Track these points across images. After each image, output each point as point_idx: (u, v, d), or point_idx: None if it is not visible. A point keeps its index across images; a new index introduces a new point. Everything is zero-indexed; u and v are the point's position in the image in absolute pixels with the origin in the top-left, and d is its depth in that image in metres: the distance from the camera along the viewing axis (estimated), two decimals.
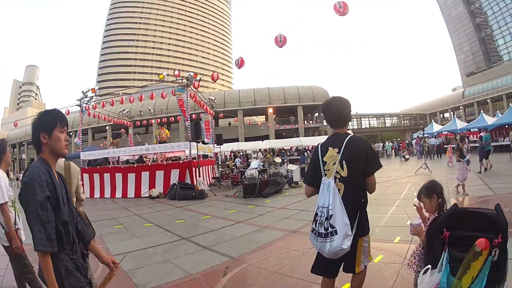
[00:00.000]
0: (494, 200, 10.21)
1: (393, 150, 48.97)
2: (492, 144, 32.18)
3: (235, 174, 21.55)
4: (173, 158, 23.79)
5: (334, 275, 3.57)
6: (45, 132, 2.63)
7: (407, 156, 36.06)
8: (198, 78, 20.60)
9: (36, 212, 2.41)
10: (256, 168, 17.49)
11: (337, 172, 3.35)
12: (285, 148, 46.13)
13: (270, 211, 11.57)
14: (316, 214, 3.36)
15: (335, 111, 3.61)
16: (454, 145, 24.89)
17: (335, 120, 3.63)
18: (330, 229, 3.20)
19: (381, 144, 49.64)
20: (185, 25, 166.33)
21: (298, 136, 60.02)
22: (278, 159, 28.23)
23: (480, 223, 2.55)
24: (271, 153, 30.74)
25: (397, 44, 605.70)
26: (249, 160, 31.66)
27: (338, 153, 3.36)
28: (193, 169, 18.53)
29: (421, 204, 3.74)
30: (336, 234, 3.17)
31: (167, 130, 22.71)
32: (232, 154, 38.45)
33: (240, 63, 16.34)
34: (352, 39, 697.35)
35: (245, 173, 17.08)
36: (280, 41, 14.23)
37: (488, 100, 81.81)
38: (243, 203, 13.80)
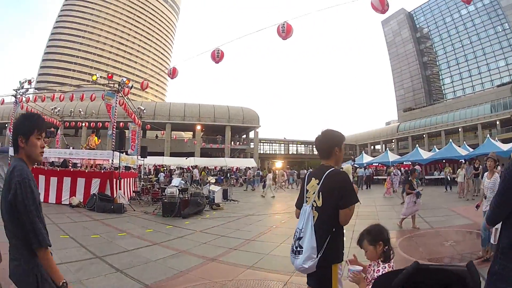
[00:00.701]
0: (432, 234, 10.72)
1: None
2: (426, 177, 33.81)
3: (156, 190, 21.03)
4: (96, 166, 23.17)
5: None
6: (22, 136, 2.68)
7: None
8: (130, 85, 20.11)
9: (36, 211, 2.50)
10: (177, 186, 17.14)
11: (314, 201, 3.64)
12: (209, 167, 46.03)
13: (189, 234, 11.28)
14: (295, 232, 3.75)
15: (320, 144, 3.91)
16: (392, 177, 25.99)
17: (320, 152, 3.93)
18: (298, 248, 3.59)
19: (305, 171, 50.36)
20: (130, 29, 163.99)
21: (224, 156, 60.01)
22: (212, 179, 28.23)
23: (444, 282, 2.26)
24: (206, 172, 30.66)
25: (332, 74, 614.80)
26: (172, 176, 31.38)
27: (318, 184, 3.63)
28: (114, 180, 17.95)
29: (356, 255, 3.50)
30: (301, 254, 3.52)
31: (96, 138, 22.12)
32: (155, 168, 37.98)
33: (172, 73, 16.18)
34: (289, 64, 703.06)
35: (166, 190, 16.69)
36: (217, 56, 14.09)
37: (424, 135, 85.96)
38: (161, 222, 13.54)
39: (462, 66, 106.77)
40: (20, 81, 20.77)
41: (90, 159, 20.99)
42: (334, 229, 3.59)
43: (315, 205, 3.66)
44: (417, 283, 2.23)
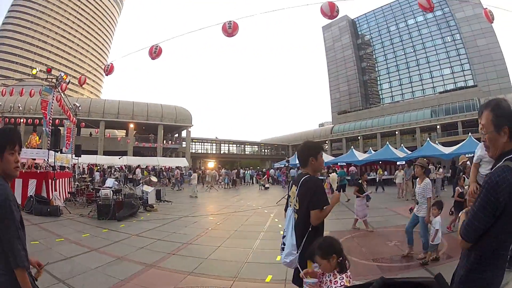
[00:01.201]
0: (374, 234, 11.18)
1: (253, 178, 49.51)
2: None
3: (91, 190, 20.60)
4: (34, 165, 22.64)
5: None
6: None
7: (267, 185, 37.56)
8: (67, 80, 19.67)
9: (16, 231, 2.55)
10: (110, 188, 17.06)
11: (295, 204, 4.26)
12: (141, 166, 45.87)
13: (125, 238, 11.17)
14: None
15: (298, 153, 4.53)
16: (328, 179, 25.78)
17: (299, 161, 4.53)
18: (282, 245, 4.25)
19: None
20: (73, 22, 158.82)
21: (156, 156, 59.68)
22: (154, 178, 28.10)
23: None
24: (149, 172, 30.34)
25: (267, 76, 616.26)
26: (106, 176, 31.04)
27: (296, 189, 4.27)
28: (50, 181, 17.55)
29: (312, 267, 3.55)
30: (283, 250, 4.20)
31: (37, 137, 21.67)
32: (89, 167, 37.38)
33: (109, 70, 15.77)
34: (225, 64, 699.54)
35: (100, 192, 16.50)
36: (154, 53, 13.81)
37: (359, 137, 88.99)
38: (97, 226, 13.40)
39: (403, 73, 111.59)
40: None
41: (29, 159, 20.52)
42: (310, 229, 4.07)
43: (295, 208, 4.26)
44: None
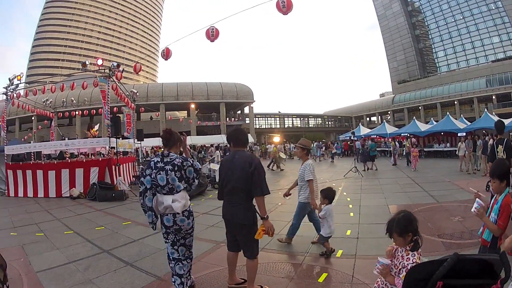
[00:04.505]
0: (438, 209, 10.49)
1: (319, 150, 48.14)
2: (425, 149, 34.86)
3: None
4: (95, 154, 22.86)
5: None
6: None
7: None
8: (120, 68, 19.85)
9: None
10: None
11: None
12: (206, 145, 45.74)
13: (194, 216, 10.81)
14: None
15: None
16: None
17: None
18: None
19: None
20: (116, 13, 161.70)
21: (220, 133, 59.72)
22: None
23: (476, 270, 2.32)
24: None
25: (326, 48, 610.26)
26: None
27: None
28: (113, 167, 17.68)
29: (391, 246, 3.54)
30: None
31: (93, 129, 21.85)
32: (152, 151, 37.71)
33: (166, 54, 15.77)
34: (283, 38, 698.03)
35: None
36: (212, 35, 13.75)
37: (420, 107, 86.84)
38: None
39: (456, 40, 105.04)
40: (9, 78, 20.37)
41: (86, 147, 20.73)
42: None
43: None
44: (453, 273, 2.23)
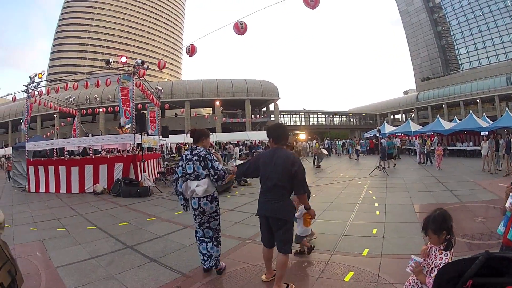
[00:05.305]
0: (462, 209, 10.28)
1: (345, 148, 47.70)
2: (449, 148, 34.49)
3: None
4: (118, 150, 23.00)
5: None
6: None
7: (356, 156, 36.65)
8: (145, 66, 19.76)
9: None
10: None
11: None
12: (231, 142, 45.67)
13: (220, 214, 10.85)
14: None
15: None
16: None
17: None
18: None
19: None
20: (138, 12, 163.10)
21: (245, 130, 59.66)
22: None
23: (505, 268, 2.17)
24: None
25: (350, 45, 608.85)
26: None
27: None
28: (138, 163, 17.73)
29: (426, 246, 3.54)
30: None
31: (126, 127, 21.98)
32: (177, 147, 37.76)
33: (191, 51, 15.56)
34: (306, 36, 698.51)
35: None
36: (241, 28, 13.53)
37: (443, 105, 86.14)
38: None
39: (476, 37, 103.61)
40: (30, 76, 20.56)
41: (111, 144, 20.90)
42: None
43: None
44: (483, 271, 2.17)
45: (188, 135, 6.11)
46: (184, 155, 5.91)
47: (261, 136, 51.02)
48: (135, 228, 9.42)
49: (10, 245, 6.40)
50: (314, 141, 35.15)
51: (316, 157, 27.65)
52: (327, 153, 31.15)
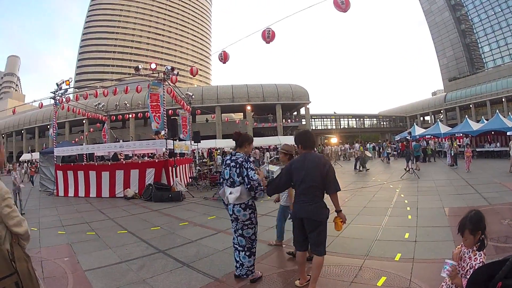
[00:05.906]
0: (490, 211, 9.93)
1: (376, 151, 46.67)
2: (478, 149, 34.09)
3: (214, 173, 20.50)
4: (149, 155, 23.10)
5: None
6: None
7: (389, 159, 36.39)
8: (175, 72, 19.87)
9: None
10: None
11: None
12: (263, 146, 45.54)
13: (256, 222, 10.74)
14: None
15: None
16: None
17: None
18: None
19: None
20: (164, 19, 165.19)
21: (277, 135, 59.59)
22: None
23: None
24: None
25: (378, 47, 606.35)
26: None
27: None
28: (170, 168, 17.76)
29: (458, 247, 3.48)
30: None
31: (162, 134, 22.25)
32: (208, 152, 37.86)
33: (224, 58, 15.54)
34: (335, 39, 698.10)
35: None
36: (268, 37, 13.51)
37: (470, 105, 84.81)
38: (223, 207, 12.67)
39: (498, 34, 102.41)
40: (57, 83, 20.92)
41: (142, 149, 21.10)
42: None
43: None
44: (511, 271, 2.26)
45: (232, 139, 6.01)
46: (225, 160, 5.93)
47: (293, 140, 51.05)
48: (167, 232, 9.36)
49: (36, 248, 6.32)
50: (357, 145, 34.73)
51: (359, 160, 27.29)
52: (371, 155, 30.99)
